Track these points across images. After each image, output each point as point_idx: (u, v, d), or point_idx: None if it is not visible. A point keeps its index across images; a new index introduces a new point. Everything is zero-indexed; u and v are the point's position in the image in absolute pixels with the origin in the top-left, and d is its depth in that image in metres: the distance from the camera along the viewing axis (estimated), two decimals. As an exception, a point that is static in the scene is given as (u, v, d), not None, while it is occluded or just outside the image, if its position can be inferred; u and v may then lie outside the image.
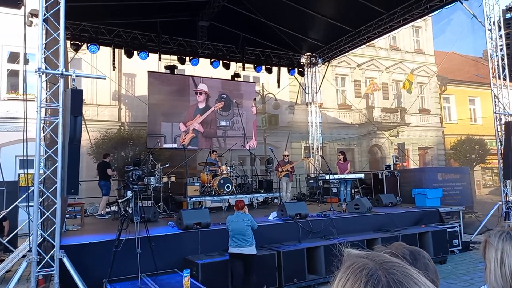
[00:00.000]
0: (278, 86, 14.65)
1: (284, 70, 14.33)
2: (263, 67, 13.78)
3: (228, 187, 10.27)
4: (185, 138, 13.22)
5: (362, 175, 11.97)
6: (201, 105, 13.71)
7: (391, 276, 0.71)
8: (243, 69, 13.52)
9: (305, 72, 14.85)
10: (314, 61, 14.80)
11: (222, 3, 10.89)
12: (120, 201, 8.62)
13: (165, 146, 12.84)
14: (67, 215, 7.89)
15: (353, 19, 11.87)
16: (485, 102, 20.71)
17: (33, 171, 5.38)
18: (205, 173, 10.59)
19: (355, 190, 12.03)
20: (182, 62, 12.42)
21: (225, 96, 14.03)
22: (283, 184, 11.56)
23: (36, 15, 9.12)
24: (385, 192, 11.19)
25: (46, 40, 5.60)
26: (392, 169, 12.19)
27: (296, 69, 14.36)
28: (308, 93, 15.22)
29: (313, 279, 6.56)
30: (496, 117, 9.56)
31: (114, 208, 9.97)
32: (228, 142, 13.74)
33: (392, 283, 0.70)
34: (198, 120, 13.63)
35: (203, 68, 13.39)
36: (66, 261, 5.11)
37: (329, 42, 13.55)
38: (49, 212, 5.25)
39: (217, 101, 13.91)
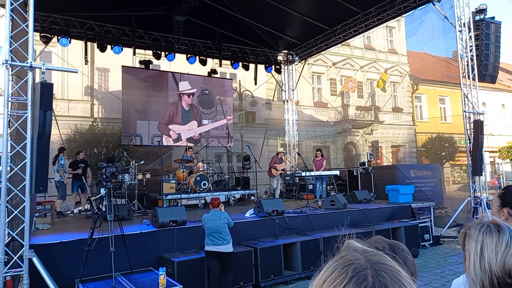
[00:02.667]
0: (255, 83, 14.63)
1: (261, 67, 14.31)
2: (240, 63, 13.71)
3: (204, 184, 10.19)
4: (177, 146, 12.70)
5: (337, 172, 12.15)
6: (187, 107, 13.20)
7: (379, 278, 0.68)
8: (220, 65, 13.40)
9: (282, 70, 14.89)
10: (291, 58, 14.87)
11: (199, -2, 10.76)
12: (93, 198, 8.39)
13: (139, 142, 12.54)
14: (36, 214, 7.62)
15: (329, 17, 11.99)
16: (455, 101, 21.46)
17: (0, 168, 5.15)
18: (181, 170, 10.46)
19: (331, 186, 12.20)
20: (158, 57, 12.18)
21: (207, 92, 13.80)
22: (274, 182, 11.51)
23: (3, 5, 8.73)
24: (359, 189, 11.41)
25: (13, 31, 5.36)
26: (366, 166, 12.43)
27: (273, 66, 14.38)
28: (285, 91, 15.28)
29: (290, 275, 6.61)
30: (466, 115, 9.88)
31: (86, 206, 9.68)
32: (209, 143, 13.24)
33: (377, 286, 0.67)
34: (198, 130, 13.23)
35: (179, 63, 13.19)
36: (36, 261, 4.92)
37: (305, 40, 13.63)
38: (17, 211, 5.04)
39: (199, 98, 13.59)
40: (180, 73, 13.43)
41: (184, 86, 13.20)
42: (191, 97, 13.22)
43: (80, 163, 9.61)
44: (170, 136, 12.73)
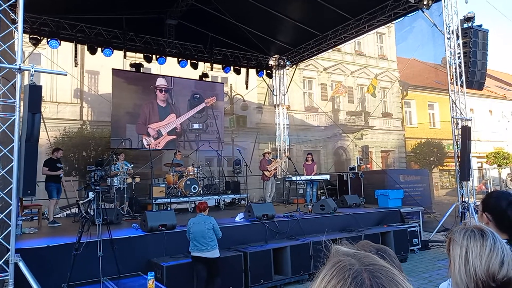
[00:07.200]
0: (247, 88, 14.66)
1: (252, 71, 14.36)
2: (232, 68, 13.73)
3: (194, 188, 10.15)
4: (158, 143, 12.61)
5: (327, 177, 12.19)
6: (163, 104, 12.99)
7: (375, 280, 0.71)
8: (211, 69, 13.40)
9: (273, 74, 14.95)
10: (282, 63, 14.94)
11: (191, 2, 10.76)
12: (81, 202, 8.30)
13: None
14: (23, 218, 7.50)
15: (320, 23, 12.09)
16: (443, 107, 21.75)
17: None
18: (171, 174, 10.41)
19: (321, 191, 12.24)
20: (149, 60, 12.13)
21: (198, 96, 13.73)
22: (269, 185, 11.40)
23: (-8, 6, 8.63)
24: (349, 193, 11.46)
25: (2, 33, 5.29)
26: (356, 170, 12.50)
27: (264, 70, 14.43)
28: (276, 95, 15.34)
29: (279, 279, 6.60)
30: (454, 121, 10.02)
31: (74, 210, 9.58)
32: (200, 147, 13.19)
33: (375, 287, 0.70)
34: (178, 121, 12.98)
35: (170, 67, 13.15)
36: (22, 265, 4.83)
37: (297, 45, 13.72)
38: (3, 214, 4.96)
39: (189, 102, 13.52)
40: (171, 76, 13.37)
41: (160, 81, 13.03)
42: (164, 93, 12.99)
43: (58, 162, 8.63)
44: (149, 134, 12.50)
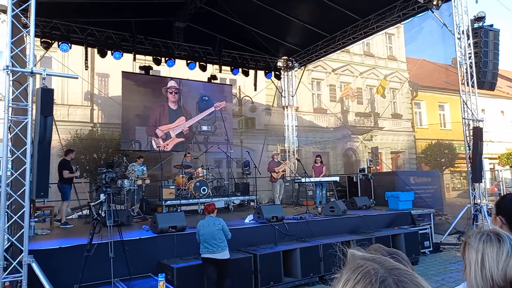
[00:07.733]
0: (255, 89, 14.67)
1: (261, 73, 14.35)
2: (240, 69, 13.75)
3: (204, 190, 10.17)
4: (167, 144, 12.73)
5: (337, 178, 12.14)
6: (174, 106, 13.14)
7: (402, 284, 0.71)
8: (220, 71, 13.44)
9: (282, 76, 14.94)
10: (290, 65, 14.92)
11: (199, 5, 10.81)
12: (92, 204, 8.38)
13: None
14: (36, 219, 7.59)
15: (329, 24, 12.06)
16: (454, 108, 21.51)
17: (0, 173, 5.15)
18: (181, 175, 10.45)
19: (330, 193, 12.18)
20: (158, 63, 12.21)
21: (207, 98, 13.79)
22: (277, 187, 11.42)
23: (4, 11, 8.76)
24: (359, 195, 11.39)
25: (14, 37, 5.38)
26: (366, 172, 12.41)
27: (272, 72, 14.42)
28: (285, 97, 15.31)
29: (289, 281, 6.58)
30: (465, 122, 9.90)
31: (86, 211, 9.68)
32: (209, 148, 13.27)
33: None
34: (186, 124, 13.09)
35: (179, 69, 13.22)
36: (35, 266, 4.90)
37: (305, 46, 13.70)
38: (17, 216, 5.03)
39: (198, 104, 13.59)
40: (180, 78, 13.46)
41: (171, 83, 13.20)
42: (175, 94, 13.11)
43: (71, 164, 8.70)
44: (157, 136, 12.59)
